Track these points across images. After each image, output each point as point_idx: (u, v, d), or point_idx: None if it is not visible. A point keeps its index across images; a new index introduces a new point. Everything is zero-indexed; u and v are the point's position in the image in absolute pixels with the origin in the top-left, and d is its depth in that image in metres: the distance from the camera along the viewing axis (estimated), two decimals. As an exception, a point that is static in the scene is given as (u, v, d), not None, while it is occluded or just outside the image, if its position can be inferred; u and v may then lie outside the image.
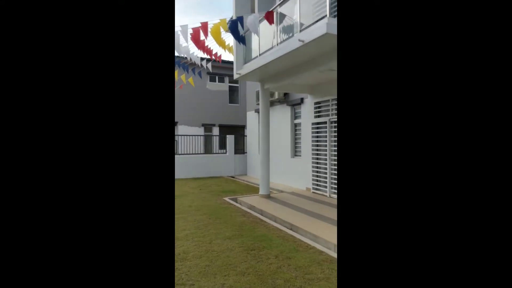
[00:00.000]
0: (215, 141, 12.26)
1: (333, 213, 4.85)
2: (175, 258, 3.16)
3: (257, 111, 9.52)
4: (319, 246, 3.53)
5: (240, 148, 11.27)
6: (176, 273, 2.81)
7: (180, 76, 7.23)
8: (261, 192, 6.33)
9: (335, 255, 3.26)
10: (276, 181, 8.08)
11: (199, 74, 6.49)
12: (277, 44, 4.93)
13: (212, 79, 13.91)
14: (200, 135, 11.47)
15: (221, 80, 14.23)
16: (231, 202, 6.12)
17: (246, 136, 11.91)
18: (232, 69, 13.31)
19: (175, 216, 4.79)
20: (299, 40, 3.91)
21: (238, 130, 14.14)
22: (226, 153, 10.78)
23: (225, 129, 13.94)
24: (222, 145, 11.50)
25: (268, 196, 6.26)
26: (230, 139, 10.72)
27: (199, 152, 10.91)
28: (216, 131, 13.92)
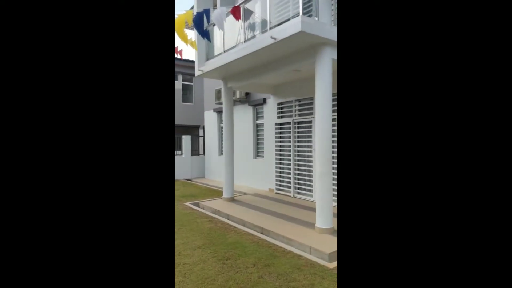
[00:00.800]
0: (169, 142, 11.56)
1: (300, 214, 4.83)
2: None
3: (216, 110, 9.20)
4: (295, 250, 3.43)
5: (195, 149, 10.80)
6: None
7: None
8: (224, 195, 6.07)
9: (313, 258, 3.20)
10: (238, 182, 7.87)
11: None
12: (244, 41, 4.74)
13: (164, 77, 13.13)
14: (153, 136, 10.69)
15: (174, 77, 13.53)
16: (194, 207, 5.75)
17: (201, 136, 11.49)
18: (186, 66, 12.81)
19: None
20: (271, 37, 3.78)
21: (193, 131, 13.59)
22: (181, 154, 10.24)
23: (179, 129, 13.28)
24: (176, 146, 10.91)
25: (232, 199, 6.03)
26: (186, 140, 10.20)
27: (152, 154, 10.15)
28: (169, 131, 13.15)
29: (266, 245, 3.58)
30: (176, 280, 2.69)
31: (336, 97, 4.97)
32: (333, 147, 4.76)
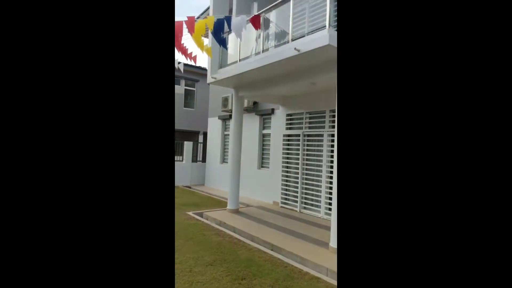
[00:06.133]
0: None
1: (310, 231, 4.67)
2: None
3: (220, 117, 9.06)
4: (312, 271, 3.27)
5: (194, 156, 10.59)
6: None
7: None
8: (229, 206, 5.89)
9: (333, 281, 3.04)
10: (240, 193, 7.70)
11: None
12: (262, 51, 4.65)
13: (167, 81, 12.95)
14: (153, 140, 10.46)
15: (177, 82, 13.39)
16: (197, 217, 5.55)
17: (200, 143, 11.33)
18: (189, 72, 12.68)
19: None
20: (295, 49, 3.69)
21: (192, 136, 13.39)
22: (182, 161, 10.02)
23: (178, 135, 13.06)
24: (176, 152, 10.68)
25: (237, 211, 5.85)
26: (188, 146, 10.00)
27: (151, 159, 9.90)
28: (168, 136, 12.92)
29: (280, 264, 3.41)
30: (192, 301, 2.51)
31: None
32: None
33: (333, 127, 5.38)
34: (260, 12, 4.75)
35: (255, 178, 7.49)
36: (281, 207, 6.48)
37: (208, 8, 6.90)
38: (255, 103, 7.50)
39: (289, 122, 6.48)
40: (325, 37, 3.37)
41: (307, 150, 6.01)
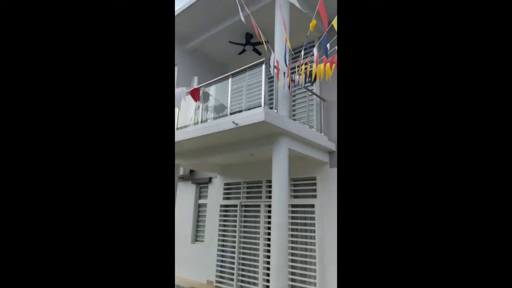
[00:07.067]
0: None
1: (248, 314, 4.21)
2: None
3: (152, 186, 8.46)
4: None
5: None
6: None
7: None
8: (155, 290, 5.09)
9: None
10: (169, 272, 6.81)
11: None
12: (201, 122, 4.73)
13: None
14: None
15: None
16: (114, 307, 4.59)
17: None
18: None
19: None
20: (233, 122, 3.84)
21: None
22: (102, 235, 8.70)
23: (102, 204, 11.63)
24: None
25: (164, 295, 5.06)
26: (111, 217, 8.85)
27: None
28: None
29: None
30: None
31: (292, 183, 5.06)
32: (289, 235, 4.58)
33: (270, 197, 5.43)
34: (200, 86, 4.97)
35: (188, 254, 6.81)
36: (216, 286, 5.86)
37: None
38: (191, 171, 7.29)
39: (227, 191, 6.36)
40: (261, 113, 3.61)
41: (245, 221, 5.83)
